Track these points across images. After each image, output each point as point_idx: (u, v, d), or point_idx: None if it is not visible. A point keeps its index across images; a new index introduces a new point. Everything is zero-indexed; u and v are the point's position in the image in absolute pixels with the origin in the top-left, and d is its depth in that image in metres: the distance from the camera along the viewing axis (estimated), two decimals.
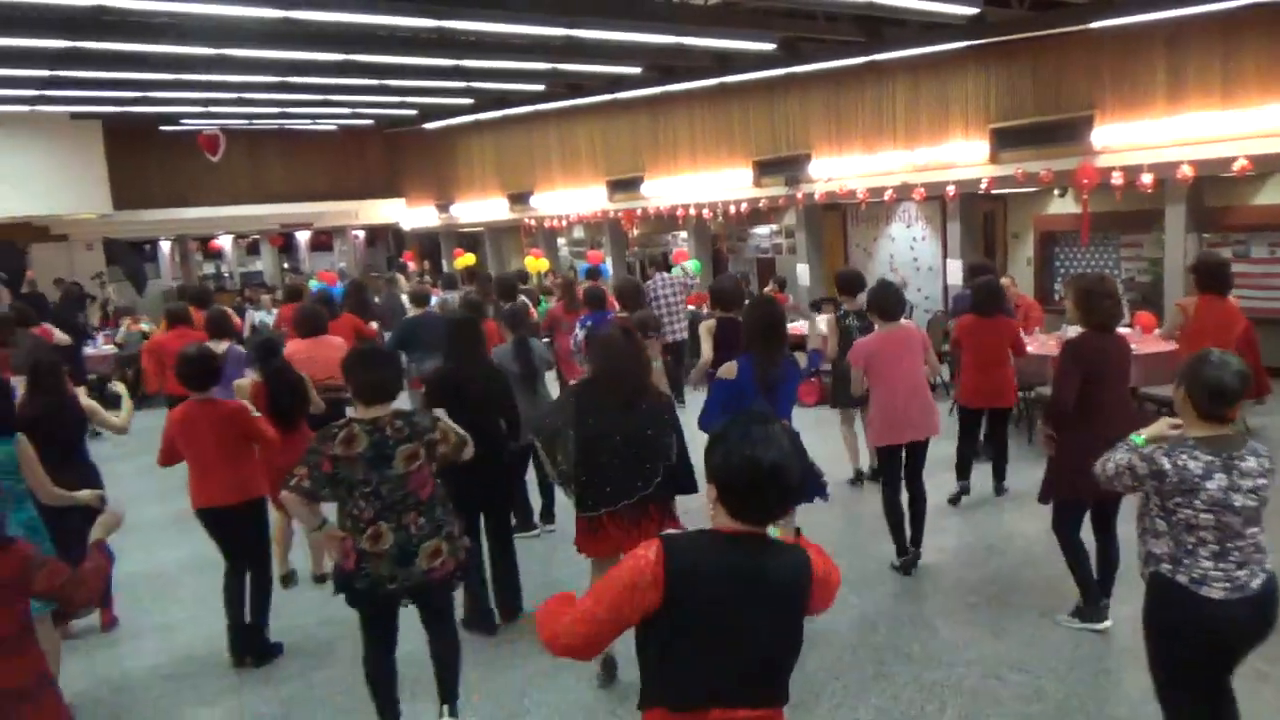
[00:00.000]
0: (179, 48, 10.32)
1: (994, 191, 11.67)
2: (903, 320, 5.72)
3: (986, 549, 6.08)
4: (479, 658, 4.75)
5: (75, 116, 15.88)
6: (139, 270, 17.06)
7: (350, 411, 4.20)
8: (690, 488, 4.36)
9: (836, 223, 15.09)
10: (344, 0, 8.40)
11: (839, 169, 12.82)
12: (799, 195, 13.37)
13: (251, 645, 4.99)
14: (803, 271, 14.30)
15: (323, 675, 4.85)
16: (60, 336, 10.23)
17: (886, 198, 12.45)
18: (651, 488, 4.26)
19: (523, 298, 9.68)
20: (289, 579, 5.97)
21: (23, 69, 11.19)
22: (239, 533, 4.91)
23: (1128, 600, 4.76)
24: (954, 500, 6.85)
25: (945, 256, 12.96)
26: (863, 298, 6.60)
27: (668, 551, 2.11)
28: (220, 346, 6.65)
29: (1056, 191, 12.45)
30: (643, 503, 4.28)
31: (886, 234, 14.50)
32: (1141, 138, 9.94)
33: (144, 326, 12.72)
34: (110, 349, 12.72)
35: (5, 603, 2.72)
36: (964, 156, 11.52)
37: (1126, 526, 5.15)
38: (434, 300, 10.29)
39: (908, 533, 5.70)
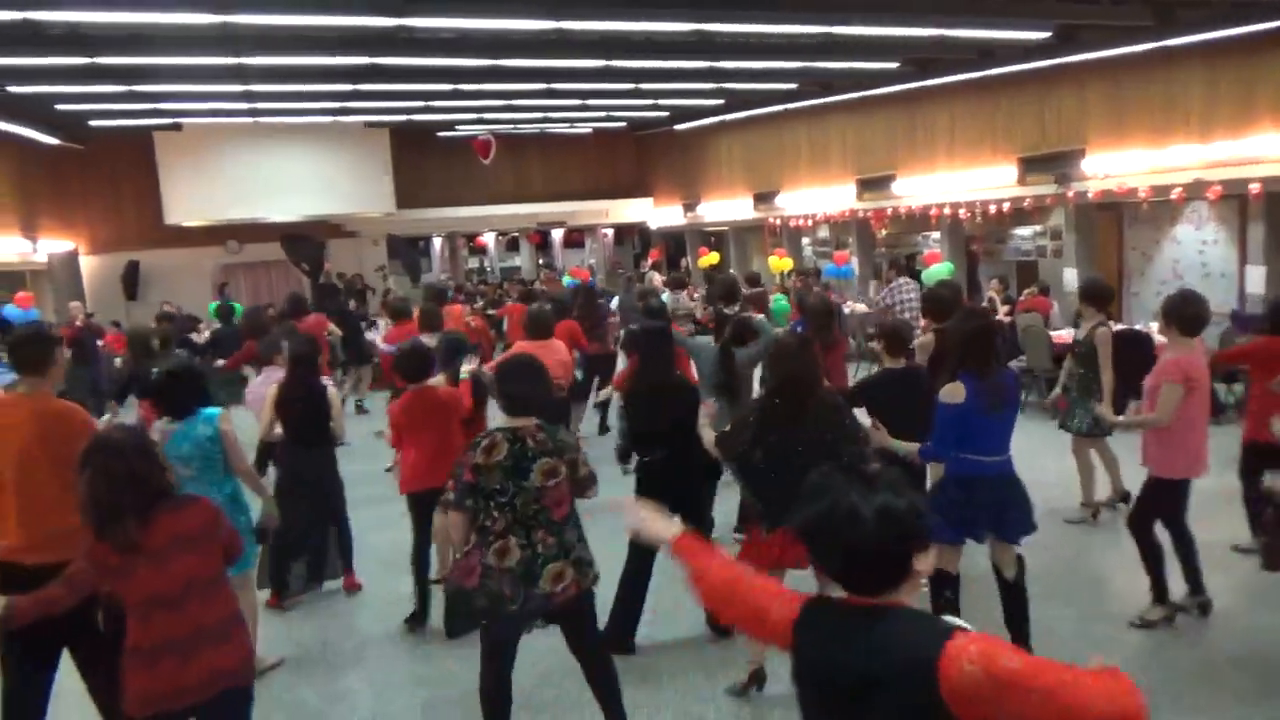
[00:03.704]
0: (460, 60, 11.21)
1: None
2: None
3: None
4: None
5: (369, 125, 17.66)
6: (415, 264, 18.73)
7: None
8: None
9: (1111, 224, 13.85)
10: (612, 9, 8.73)
11: (1117, 165, 11.75)
12: (1069, 193, 12.41)
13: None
14: (1070, 276, 13.25)
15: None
16: (332, 329, 10.81)
17: (1174, 196, 11.26)
18: None
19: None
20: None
21: (330, 84, 12.57)
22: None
23: None
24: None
25: (1244, 263, 11.55)
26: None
27: (804, 615, 1.98)
28: (433, 340, 6.91)
29: None
30: None
31: (1170, 236, 13.13)
32: None
33: None
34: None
35: (201, 551, 3.04)
36: (1272, 151, 10.18)
37: None
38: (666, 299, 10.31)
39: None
